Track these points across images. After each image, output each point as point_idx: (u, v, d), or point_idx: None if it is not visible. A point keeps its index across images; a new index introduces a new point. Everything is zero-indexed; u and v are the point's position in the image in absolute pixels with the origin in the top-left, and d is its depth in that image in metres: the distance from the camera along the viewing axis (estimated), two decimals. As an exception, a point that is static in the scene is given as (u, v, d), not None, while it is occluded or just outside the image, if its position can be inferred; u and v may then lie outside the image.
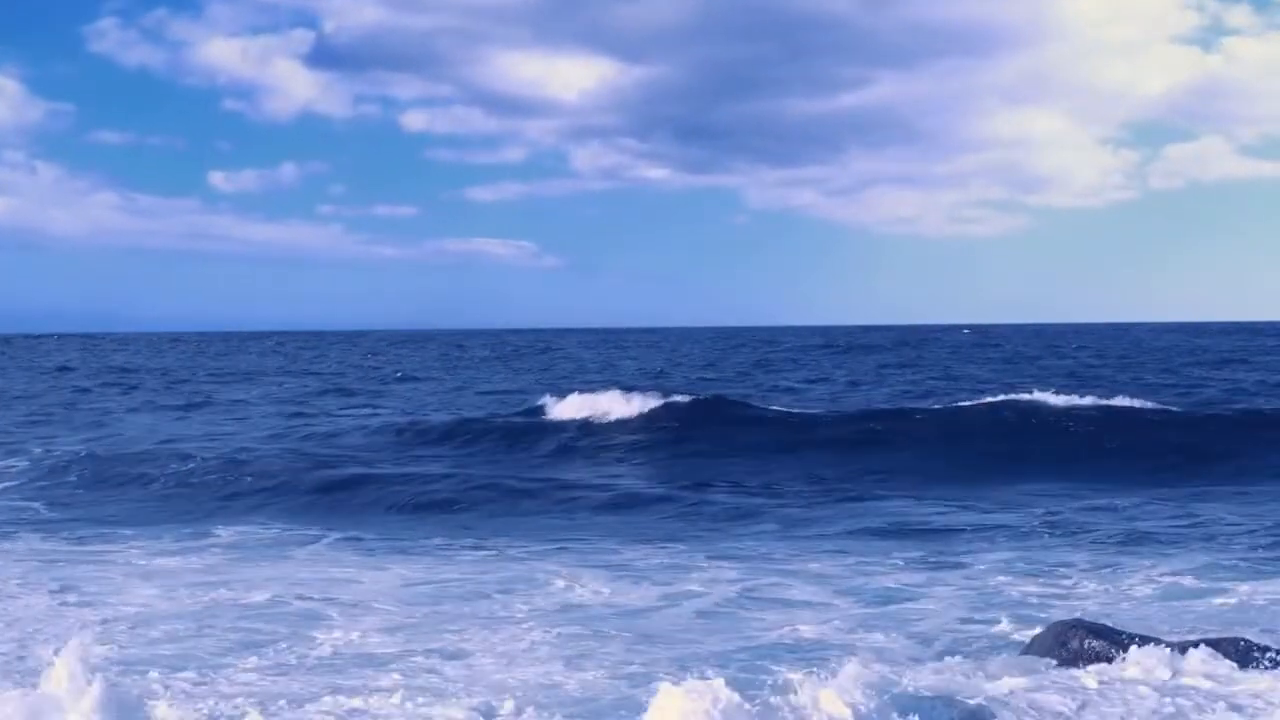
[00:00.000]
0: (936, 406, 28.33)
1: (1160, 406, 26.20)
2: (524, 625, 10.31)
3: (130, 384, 50.11)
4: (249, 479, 20.18)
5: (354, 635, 10.02)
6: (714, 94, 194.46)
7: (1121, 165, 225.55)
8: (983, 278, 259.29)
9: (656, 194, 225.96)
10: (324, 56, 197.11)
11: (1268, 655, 8.21)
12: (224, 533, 15.97)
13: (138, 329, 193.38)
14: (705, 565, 13.17)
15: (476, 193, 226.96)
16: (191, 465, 21.37)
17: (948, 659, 9.00)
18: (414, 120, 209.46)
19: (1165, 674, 7.93)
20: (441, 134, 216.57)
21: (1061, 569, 12.57)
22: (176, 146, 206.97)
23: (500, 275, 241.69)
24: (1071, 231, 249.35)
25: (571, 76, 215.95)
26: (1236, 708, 7.42)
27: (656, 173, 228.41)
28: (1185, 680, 7.87)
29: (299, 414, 34.04)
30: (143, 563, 13.70)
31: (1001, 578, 12.15)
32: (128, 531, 16.06)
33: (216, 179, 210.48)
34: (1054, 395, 25.89)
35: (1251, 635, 8.87)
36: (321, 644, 9.71)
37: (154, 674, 8.58)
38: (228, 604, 11.26)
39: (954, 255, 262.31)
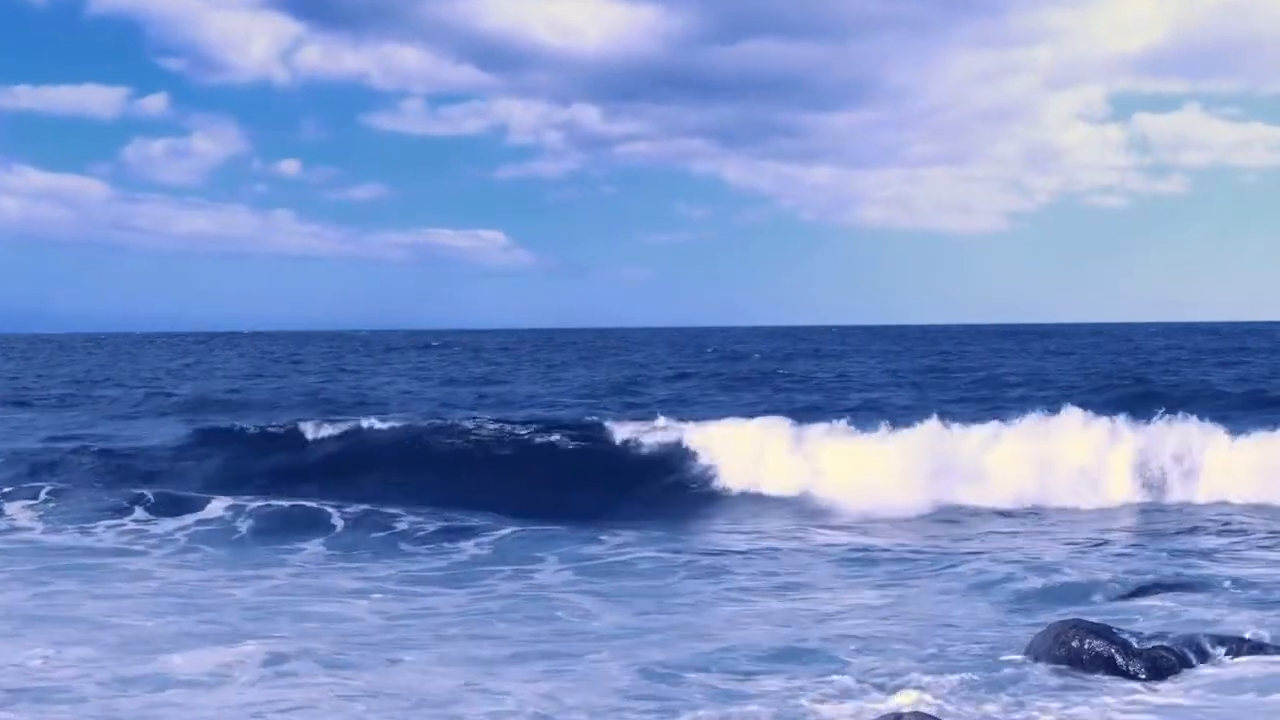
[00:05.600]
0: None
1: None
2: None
3: None
4: None
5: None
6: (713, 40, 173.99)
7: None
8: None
9: (634, 168, 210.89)
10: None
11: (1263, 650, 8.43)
12: None
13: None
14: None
15: (464, 176, 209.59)
16: None
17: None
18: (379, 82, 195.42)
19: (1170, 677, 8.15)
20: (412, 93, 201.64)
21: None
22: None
23: (497, 269, 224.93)
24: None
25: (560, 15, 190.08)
26: (1236, 706, 7.63)
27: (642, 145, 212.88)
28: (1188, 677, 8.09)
29: None
30: None
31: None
32: None
33: (141, 152, 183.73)
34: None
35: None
36: None
37: None
38: None
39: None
